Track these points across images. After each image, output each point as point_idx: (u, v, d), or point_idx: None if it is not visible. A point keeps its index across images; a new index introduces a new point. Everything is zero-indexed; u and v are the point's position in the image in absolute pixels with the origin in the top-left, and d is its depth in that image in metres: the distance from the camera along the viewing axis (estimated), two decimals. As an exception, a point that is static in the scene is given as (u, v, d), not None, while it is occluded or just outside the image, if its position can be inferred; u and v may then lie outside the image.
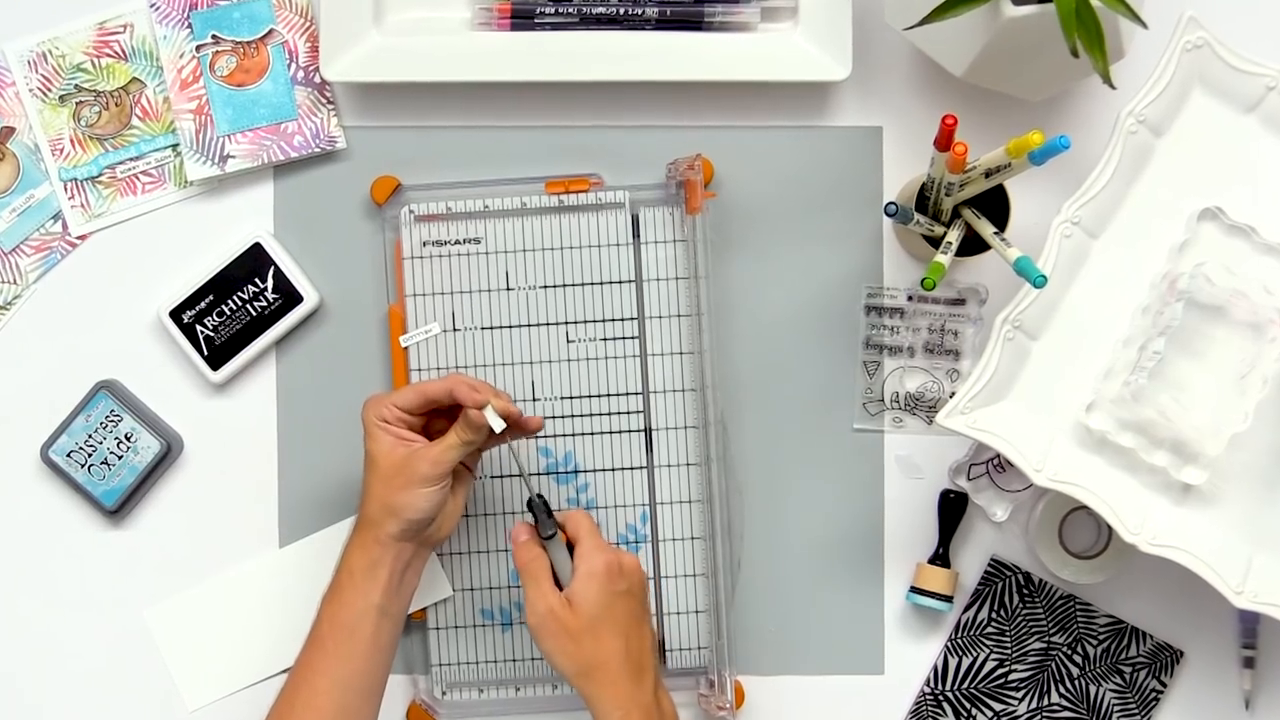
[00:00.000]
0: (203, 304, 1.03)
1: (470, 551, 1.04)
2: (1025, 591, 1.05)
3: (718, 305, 1.04)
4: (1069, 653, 1.05)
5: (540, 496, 0.92)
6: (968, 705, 1.05)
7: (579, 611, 0.89)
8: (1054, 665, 1.05)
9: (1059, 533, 1.04)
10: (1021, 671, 1.05)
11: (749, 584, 1.05)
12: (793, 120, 1.06)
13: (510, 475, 1.03)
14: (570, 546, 0.92)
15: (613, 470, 1.04)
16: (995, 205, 0.99)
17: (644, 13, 1.03)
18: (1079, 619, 1.05)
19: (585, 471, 1.04)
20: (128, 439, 1.03)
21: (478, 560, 1.04)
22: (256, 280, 1.03)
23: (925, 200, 0.98)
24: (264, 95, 1.04)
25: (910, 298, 1.05)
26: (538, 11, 1.03)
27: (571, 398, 1.04)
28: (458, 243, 1.04)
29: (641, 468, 1.04)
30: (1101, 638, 1.05)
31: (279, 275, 1.03)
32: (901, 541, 1.06)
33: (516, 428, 0.93)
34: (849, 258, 1.05)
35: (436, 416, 0.94)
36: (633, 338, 1.04)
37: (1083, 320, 0.97)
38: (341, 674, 0.90)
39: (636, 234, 1.04)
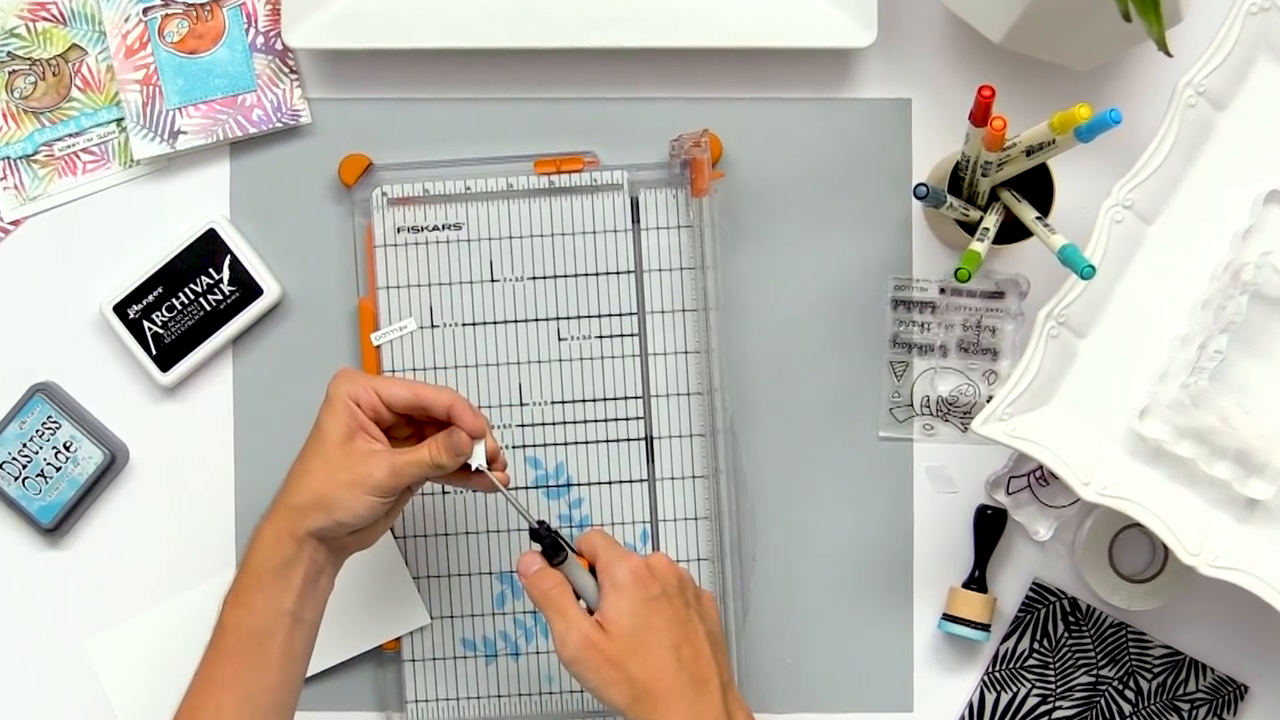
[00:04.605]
0: (151, 297, 1.03)
1: (450, 575, 1.04)
2: (1071, 619, 1.05)
3: (727, 299, 1.04)
4: (1120, 687, 1.05)
5: (542, 523, 0.90)
6: (1007, 746, 1.05)
7: (615, 632, 0.87)
8: (1103, 701, 1.05)
9: (1109, 553, 1.04)
10: (1067, 708, 1.05)
11: (762, 611, 1.05)
12: (811, 92, 1.06)
13: (494, 489, 1.03)
14: (592, 570, 0.90)
15: (610, 483, 1.04)
16: (1037, 187, 0.99)
17: (644, -29, 1.03)
18: (1131, 650, 1.05)
19: (579, 485, 1.04)
20: (67, 448, 1.03)
21: (458, 584, 1.04)
22: (211, 271, 1.03)
23: (959, 181, 0.98)
24: (219, 64, 1.04)
25: (942, 290, 1.05)
26: (526, -30, 1.03)
27: (564, 402, 1.04)
28: (436, 229, 1.04)
29: (642, 481, 1.04)
30: (1157, 671, 1.05)
31: (236, 265, 1.03)
32: (933, 563, 1.05)
33: (480, 478, 0.92)
34: (874, 245, 1.05)
35: (401, 425, 0.93)
36: (632, 335, 1.04)
37: (1135, 316, 0.97)
38: (250, 689, 0.88)
39: (636, 219, 1.04)
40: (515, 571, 0.91)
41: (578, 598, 0.89)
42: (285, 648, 0.89)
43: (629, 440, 1.04)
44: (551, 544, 0.89)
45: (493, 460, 0.91)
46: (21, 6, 1.05)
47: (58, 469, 1.03)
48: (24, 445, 1.03)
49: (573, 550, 0.91)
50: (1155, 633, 1.05)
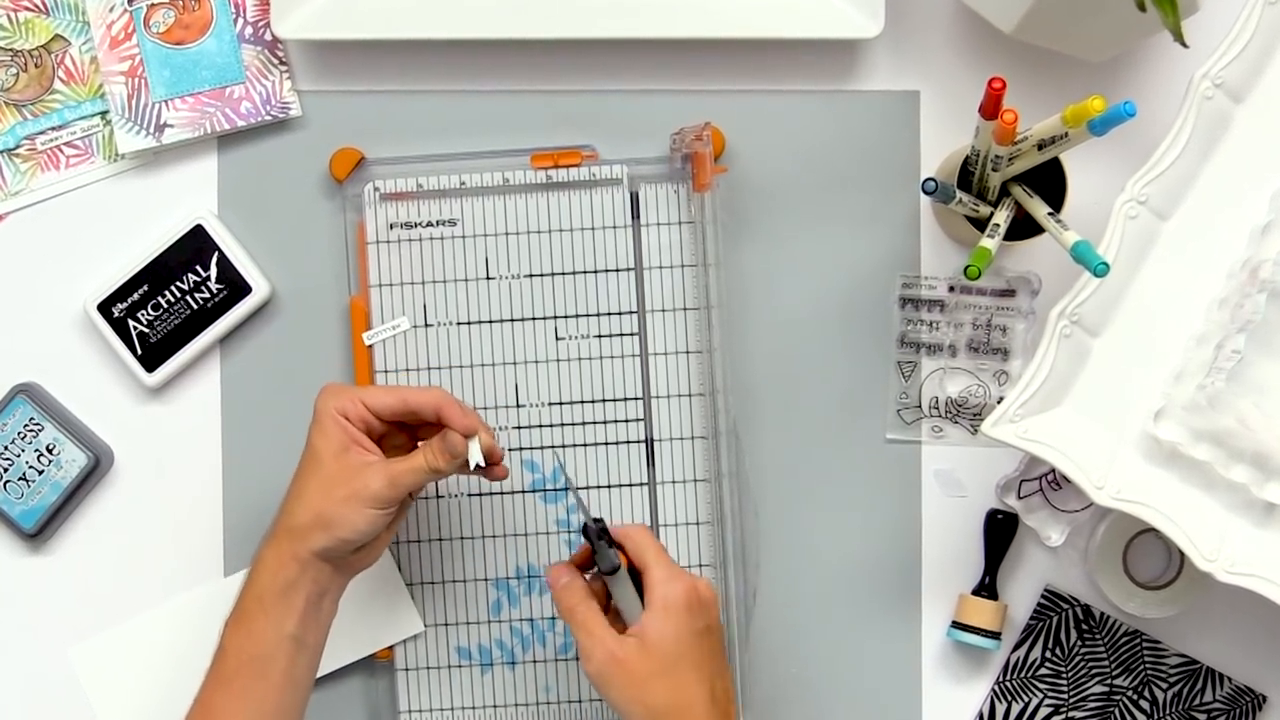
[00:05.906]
0: (136, 295, 1.03)
1: (444, 581, 1.04)
2: (1084, 627, 1.05)
3: (729, 297, 1.04)
4: (1135, 697, 1.05)
5: (598, 520, 0.90)
6: (1018, 758, 1.05)
7: (653, 651, 0.88)
8: (1118, 712, 1.05)
9: (1123, 559, 1.04)
10: (1080, 719, 1.05)
11: (766, 618, 1.05)
12: (816, 84, 1.05)
13: (489, 493, 1.03)
14: (633, 572, 0.91)
15: (609, 487, 1.04)
16: (1050, 182, 0.98)
17: (645, -40, 1.03)
18: (1146, 659, 1.05)
19: (577, 488, 1.03)
20: (50, 451, 1.02)
21: (453, 591, 1.04)
22: (198, 268, 1.03)
23: (969, 176, 0.98)
24: (206, 55, 1.04)
25: (952, 288, 1.05)
26: (522, -42, 1.03)
27: (561, 403, 1.03)
28: (430, 225, 1.03)
29: (642, 484, 1.04)
30: (1172, 680, 1.05)
31: (224, 262, 1.03)
32: (941, 569, 1.05)
33: (484, 471, 0.92)
34: (881, 242, 1.05)
35: (394, 433, 0.94)
36: (632, 334, 1.03)
37: (1150, 314, 0.96)
38: (251, 716, 0.89)
39: (636, 215, 1.04)
40: (545, 577, 0.91)
41: (608, 601, 0.90)
42: (287, 673, 0.90)
43: (629, 443, 1.04)
44: (604, 549, 0.89)
45: (490, 455, 0.91)
46: (2, -4, 1.04)
47: (40, 472, 1.03)
48: (5, 448, 1.02)
49: (620, 549, 0.90)
50: (1171, 641, 1.05)
